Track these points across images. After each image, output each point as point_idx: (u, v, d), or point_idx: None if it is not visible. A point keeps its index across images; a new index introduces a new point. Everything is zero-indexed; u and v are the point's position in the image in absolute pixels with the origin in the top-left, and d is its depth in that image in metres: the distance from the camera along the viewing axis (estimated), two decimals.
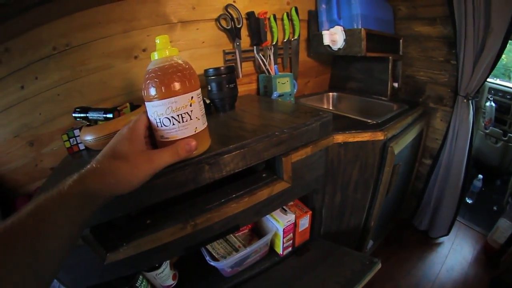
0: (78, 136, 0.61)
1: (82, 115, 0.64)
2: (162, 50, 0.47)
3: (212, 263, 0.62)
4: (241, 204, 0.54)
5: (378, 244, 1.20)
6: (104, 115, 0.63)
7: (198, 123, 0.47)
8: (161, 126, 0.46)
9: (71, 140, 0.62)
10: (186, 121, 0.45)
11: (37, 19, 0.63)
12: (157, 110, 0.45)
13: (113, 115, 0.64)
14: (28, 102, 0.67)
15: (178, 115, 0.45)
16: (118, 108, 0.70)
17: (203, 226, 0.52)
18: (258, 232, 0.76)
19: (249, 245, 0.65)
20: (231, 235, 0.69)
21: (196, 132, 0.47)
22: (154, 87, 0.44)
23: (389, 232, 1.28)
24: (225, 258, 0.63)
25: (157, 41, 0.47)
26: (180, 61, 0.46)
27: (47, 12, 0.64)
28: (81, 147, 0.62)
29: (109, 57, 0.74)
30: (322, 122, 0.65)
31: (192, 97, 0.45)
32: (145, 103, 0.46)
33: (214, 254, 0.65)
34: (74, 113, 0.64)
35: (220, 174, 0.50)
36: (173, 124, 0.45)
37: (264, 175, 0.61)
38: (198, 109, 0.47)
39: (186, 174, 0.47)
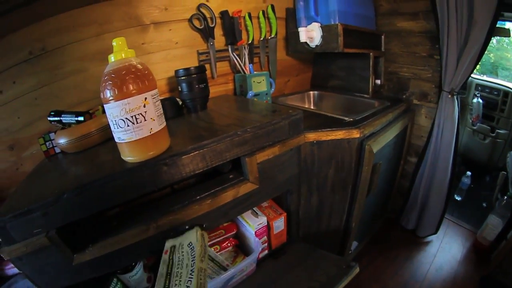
0: (54, 139, 0.62)
1: (56, 118, 0.66)
2: (118, 52, 0.48)
3: None
4: (204, 206, 0.55)
5: (364, 244, 1.20)
6: (76, 118, 0.66)
7: (153, 124, 0.48)
8: (117, 128, 0.47)
9: (47, 143, 0.63)
10: (140, 122, 0.46)
11: (13, 25, 0.65)
12: (113, 112, 0.47)
13: (84, 118, 0.66)
14: (7, 106, 0.69)
15: (132, 117, 0.46)
16: (90, 111, 0.72)
17: (166, 228, 0.53)
18: (242, 247, 0.75)
19: (233, 265, 0.64)
20: (215, 252, 0.66)
21: (151, 133, 0.48)
22: (108, 89, 0.46)
23: (375, 232, 1.28)
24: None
25: (114, 43, 0.48)
26: (135, 63, 0.47)
27: (22, 18, 0.65)
28: (57, 150, 0.64)
29: (83, 61, 0.76)
30: (291, 121, 0.66)
31: (146, 98, 0.47)
32: (104, 105, 0.47)
33: None
34: (49, 116, 0.66)
35: (179, 175, 0.51)
36: (128, 126, 0.46)
37: (231, 176, 0.62)
38: (153, 110, 0.48)
39: (144, 176, 0.48)
